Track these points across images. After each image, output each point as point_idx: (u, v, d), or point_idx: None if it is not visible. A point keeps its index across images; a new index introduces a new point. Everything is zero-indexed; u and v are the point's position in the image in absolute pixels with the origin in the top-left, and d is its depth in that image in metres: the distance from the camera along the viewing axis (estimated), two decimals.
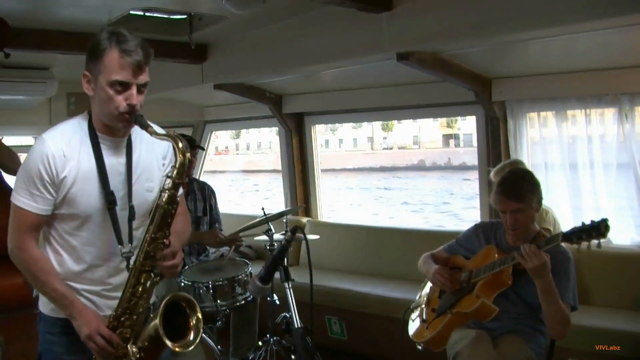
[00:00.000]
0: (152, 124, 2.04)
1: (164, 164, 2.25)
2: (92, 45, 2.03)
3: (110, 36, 2.00)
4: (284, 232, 4.04)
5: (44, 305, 2.22)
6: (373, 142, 46.97)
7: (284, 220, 4.23)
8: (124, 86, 2.00)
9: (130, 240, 2.16)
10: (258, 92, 5.71)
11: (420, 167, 38.04)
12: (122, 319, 2.08)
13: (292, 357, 3.81)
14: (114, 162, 2.14)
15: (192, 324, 2.11)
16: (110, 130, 2.12)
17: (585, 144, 4.25)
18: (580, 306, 2.92)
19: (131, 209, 2.15)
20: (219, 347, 3.88)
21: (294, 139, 6.04)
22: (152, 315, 2.10)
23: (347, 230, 5.73)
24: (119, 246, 2.13)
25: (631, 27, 3.24)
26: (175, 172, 2.03)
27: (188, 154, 2.05)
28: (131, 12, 3.83)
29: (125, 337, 2.08)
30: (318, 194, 6.13)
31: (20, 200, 2.08)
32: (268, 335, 3.99)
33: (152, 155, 2.22)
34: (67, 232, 2.13)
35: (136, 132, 2.16)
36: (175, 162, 2.03)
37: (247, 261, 4.35)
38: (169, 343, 2.00)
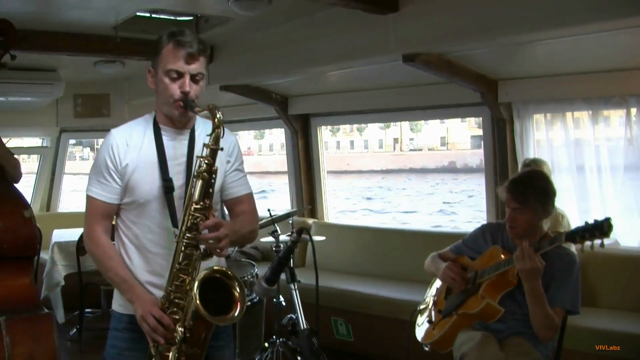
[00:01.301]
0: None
1: (228, 161, 2.30)
2: (154, 43, 2.19)
3: (169, 33, 2.16)
4: (289, 233, 4.05)
5: (114, 302, 2.31)
6: (401, 143, 46.19)
7: (290, 222, 4.24)
8: (178, 74, 2.13)
9: None
10: (264, 94, 5.73)
11: (451, 169, 37.17)
12: (172, 298, 2.11)
13: (298, 358, 3.81)
14: (175, 152, 2.22)
15: (236, 296, 2.11)
16: (171, 122, 2.23)
17: (592, 146, 4.24)
18: (585, 308, 2.91)
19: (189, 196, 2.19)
20: None
21: (299, 140, 6.04)
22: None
23: (353, 232, 5.73)
24: (174, 229, 2.16)
25: (638, 29, 3.22)
26: (211, 139, 2.10)
27: (223, 125, 2.10)
28: (138, 13, 3.86)
29: (175, 319, 2.10)
30: (324, 195, 6.13)
31: (90, 189, 2.21)
32: (274, 337, 3.99)
33: None
34: (131, 221, 2.22)
35: (201, 127, 2.27)
36: (212, 130, 2.10)
37: (252, 262, 4.36)
38: (207, 316, 2.00)
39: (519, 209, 2.84)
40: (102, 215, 2.22)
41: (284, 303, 3.99)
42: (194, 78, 2.15)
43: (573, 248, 3.12)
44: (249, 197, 2.39)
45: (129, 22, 3.94)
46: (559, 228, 3.79)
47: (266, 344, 4.02)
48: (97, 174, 2.20)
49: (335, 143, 47.57)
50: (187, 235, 2.08)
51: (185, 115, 2.18)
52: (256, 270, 4.11)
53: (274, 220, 4.09)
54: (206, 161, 2.09)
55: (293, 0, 3.84)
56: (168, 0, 3.76)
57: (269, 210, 4.20)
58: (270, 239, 4.07)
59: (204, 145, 2.11)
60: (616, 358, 3.48)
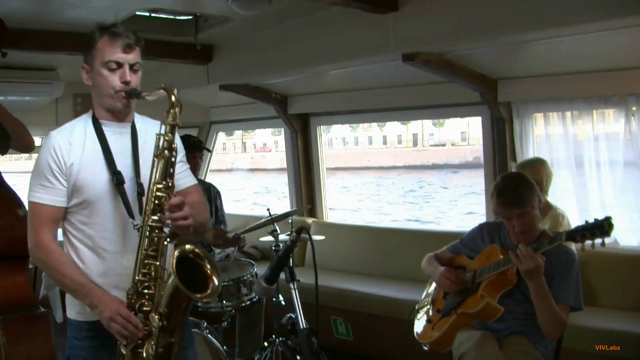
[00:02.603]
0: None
1: None
2: (86, 39, 2.19)
3: (101, 27, 2.15)
4: (289, 232, 4.05)
5: (70, 309, 2.24)
6: (423, 138, 45.19)
7: (290, 221, 4.24)
8: (117, 65, 2.11)
9: (141, 215, 2.14)
10: (263, 93, 5.72)
11: (476, 165, 36.41)
12: (140, 288, 2.06)
13: (298, 357, 3.81)
14: (119, 145, 2.19)
15: (208, 271, 2.06)
16: (112, 116, 2.20)
17: (591, 145, 4.24)
18: (586, 307, 2.91)
19: (140, 186, 2.16)
20: (224, 347, 3.88)
21: (299, 139, 6.04)
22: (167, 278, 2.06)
23: (353, 231, 5.73)
24: (131, 220, 2.13)
25: (637, 28, 3.22)
26: (169, 116, 2.08)
27: (177, 94, 2.08)
28: (137, 13, 3.85)
29: (146, 311, 2.05)
30: (323, 195, 6.13)
31: (34, 195, 2.13)
32: (274, 336, 3.98)
33: None
34: (82, 222, 2.16)
35: (140, 122, 2.26)
36: (170, 107, 2.08)
37: (252, 262, 4.35)
38: (190, 294, 1.95)
39: (523, 212, 2.84)
40: (49, 221, 2.13)
41: (283, 302, 3.99)
42: (132, 68, 2.14)
43: (573, 247, 3.12)
44: (196, 188, 2.37)
45: (129, 22, 3.92)
46: (559, 228, 3.79)
47: (266, 344, 4.01)
48: (39, 178, 2.12)
49: (354, 139, 47.14)
50: (153, 218, 2.04)
51: (129, 105, 2.16)
52: (256, 269, 4.11)
53: (274, 219, 4.09)
54: (166, 138, 2.06)
55: (293, 0, 3.83)
56: None
57: (268, 209, 4.20)
58: (270, 238, 4.07)
59: (162, 123, 2.08)
60: (616, 358, 3.48)
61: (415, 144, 45.21)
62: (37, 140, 6.86)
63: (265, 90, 5.72)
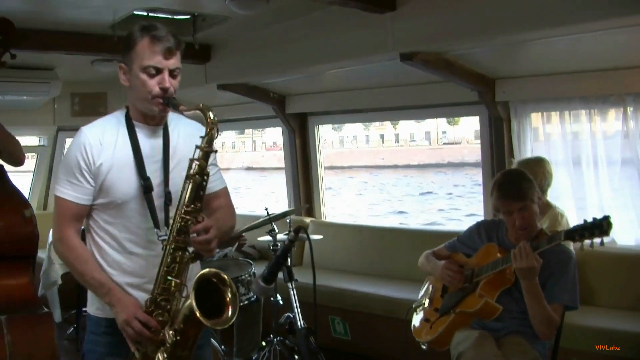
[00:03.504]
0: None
1: None
2: (125, 39, 2.13)
3: (142, 28, 2.10)
4: (287, 232, 4.05)
5: (90, 305, 2.25)
6: (438, 137, 43.91)
7: (288, 220, 4.24)
8: (156, 70, 2.08)
9: (167, 225, 2.15)
10: (261, 93, 5.72)
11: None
12: (158, 300, 2.06)
13: (296, 357, 3.81)
14: (151, 149, 2.17)
15: (228, 299, 2.07)
16: (146, 119, 2.18)
17: (589, 144, 4.24)
18: (584, 307, 2.92)
19: (167, 195, 2.16)
20: (222, 347, 3.89)
21: (297, 139, 6.04)
22: (185, 296, 2.07)
23: (351, 231, 5.73)
24: (156, 230, 2.13)
25: (635, 27, 3.23)
26: (204, 141, 2.05)
27: (217, 125, 2.06)
28: (135, 12, 3.85)
29: (163, 322, 2.05)
30: (321, 194, 6.13)
31: (60, 190, 2.13)
32: (271, 336, 3.99)
33: (190, 147, 2.19)
34: (107, 222, 2.16)
35: (173, 123, 2.24)
36: (205, 133, 2.06)
37: (250, 261, 4.35)
38: (204, 320, 1.96)
39: (524, 206, 2.85)
40: (74, 217, 2.14)
41: (281, 302, 3.99)
42: (172, 73, 2.11)
43: (572, 246, 3.12)
44: (225, 192, 2.37)
45: (127, 21, 3.93)
46: (558, 227, 3.79)
47: (264, 343, 4.02)
48: (67, 174, 2.12)
49: (365, 137, 46.42)
50: (177, 238, 2.04)
51: (165, 111, 2.14)
52: (254, 269, 4.11)
53: (272, 219, 4.09)
54: (198, 163, 2.04)
55: None
56: None
57: (266, 209, 4.20)
58: (268, 237, 4.07)
59: (196, 147, 2.05)
60: (616, 358, 3.49)
61: (428, 142, 44.28)
62: (35, 140, 6.90)
63: (263, 89, 5.71)
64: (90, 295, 2.24)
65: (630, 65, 3.80)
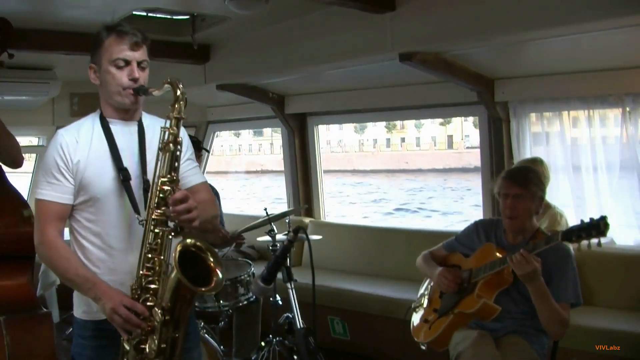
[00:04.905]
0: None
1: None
2: (93, 39, 2.20)
3: (107, 27, 2.18)
4: (286, 232, 4.05)
5: (76, 308, 2.24)
6: (462, 140, 43.72)
7: (287, 221, 4.23)
8: (125, 62, 2.13)
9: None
10: (261, 93, 5.72)
11: None
12: (143, 283, 2.05)
13: (295, 357, 3.78)
14: (127, 143, 2.20)
15: (212, 264, 2.05)
16: (120, 113, 2.21)
17: (588, 144, 4.25)
18: (583, 307, 2.92)
19: (146, 182, 2.16)
20: (221, 347, 3.88)
21: (296, 139, 6.04)
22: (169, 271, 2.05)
23: (350, 231, 5.73)
24: (136, 215, 2.13)
25: (635, 28, 3.23)
26: (174, 109, 2.09)
27: (182, 88, 2.11)
28: (134, 12, 3.85)
29: (150, 306, 2.03)
30: (320, 195, 6.13)
31: (40, 193, 2.14)
32: (271, 336, 3.99)
33: None
34: (89, 220, 2.16)
35: (148, 120, 2.27)
36: (175, 100, 2.10)
37: (249, 261, 4.35)
38: (193, 287, 1.94)
39: (520, 195, 2.85)
40: (56, 218, 2.14)
41: (280, 302, 3.99)
42: (140, 65, 2.16)
43: (570, 246, 3.12)
44: (205, 186, 2.37)
45: (126, 21, 3.92)
46: (557, 227, 3.80)
47: (263, 343, 4.01)
48: (46, 175, 2.13)
49: (385, 141, 46.24)
50: (157, 211, 2.04)
51: (137, 102, 2.18)
52: (253, 269, 4.10)
53: (271, 219, 4.08)
54: (171, 131, 2.07)
55: None
56: None
57: (265, 209, 4.20)
58: (267, 238, 4.06)
59: (167, 117, 2.09)
60: (616, 358, 3.49)
61: (450, 146, 44.00)
62: (34, 140, 6.89)
63: (263, 89, 5.71)
64: (76, 297, 2.23)
65: (630, 66, 3.80)
